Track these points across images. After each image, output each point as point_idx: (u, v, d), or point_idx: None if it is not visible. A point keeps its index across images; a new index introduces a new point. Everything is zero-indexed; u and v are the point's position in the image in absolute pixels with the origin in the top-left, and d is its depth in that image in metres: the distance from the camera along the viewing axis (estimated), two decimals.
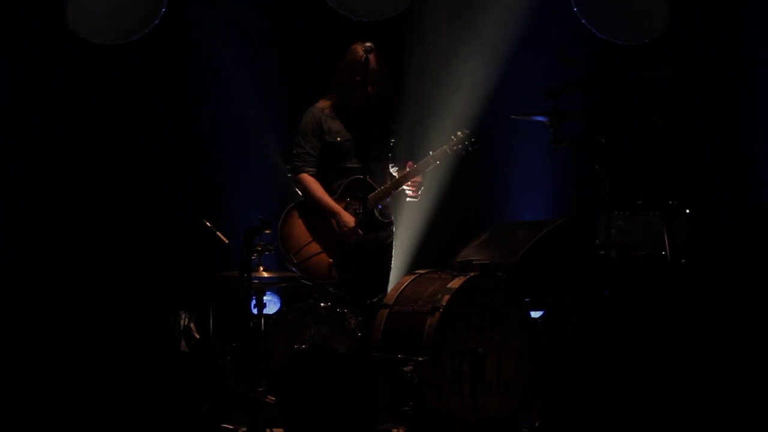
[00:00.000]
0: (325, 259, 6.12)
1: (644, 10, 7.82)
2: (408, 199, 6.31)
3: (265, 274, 5.88)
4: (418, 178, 6.22)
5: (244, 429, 5.56)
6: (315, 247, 6.14)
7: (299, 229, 6.18)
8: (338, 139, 6.19)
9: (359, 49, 6.07)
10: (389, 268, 6.40)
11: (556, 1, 7.86)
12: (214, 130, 7.71)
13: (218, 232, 6.04)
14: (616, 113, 6.02)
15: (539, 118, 5.79)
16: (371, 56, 5.93)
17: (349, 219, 6.07)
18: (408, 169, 6.17)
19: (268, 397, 5.59)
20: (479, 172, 7.94)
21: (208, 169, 7.70)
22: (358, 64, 6.03)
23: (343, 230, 6.07)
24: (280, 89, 7.53)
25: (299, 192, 6.25)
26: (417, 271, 5.85)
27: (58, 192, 7.44)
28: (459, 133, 6.21)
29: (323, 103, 6.26)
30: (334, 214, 6.11)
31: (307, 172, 6.20)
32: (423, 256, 7.40)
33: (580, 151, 5.73)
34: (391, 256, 6.41)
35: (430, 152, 6.17)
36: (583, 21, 7.77)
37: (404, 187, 6.19)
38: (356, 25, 7.51)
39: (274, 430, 5.47)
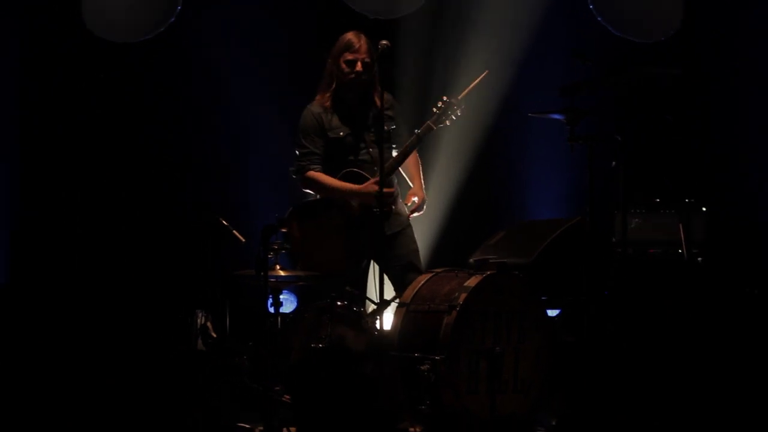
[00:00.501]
0: (334, 255, 6.07)
1: (659, 8, 7.81)
2: (415, 214, 6.27)
3: (282, 273, 5.84)
4: (419, 197, 6.21)
5: (261, 428, 5.55)
6: (322, 246, 6.08)
7: (304, 231, 6.10)
8: (341, 134, 6.14)
9: (347, 33, 6.11)
10: (414, 256, 6.25)
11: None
12: (217, 129, 7.71)
13: (234, 231, 6.04)
14: (627, 111, 6.00)
15: (555, 116, 5.76)
16: (361, 37, 6.02)
17: (373, 186, 5.93)
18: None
19: (285, 396, 5.58)
20: (495, 171, 7.94)
21: (218, 169, 7.71)
22: (347, 43, 6.07)
23: (372, 197, 5.90)
24: (284, 88, 7.52)
25: (308, 191, 6.18)
26: (433, 270, 5.83)
27: (58, 192, 7.47)
28: (440, 103, 6.13)
29: (320, 99, 6.19)
30: (356, 193, 6.03)
31: (313, 170, 6.13)
32: (439, 255, 7.40)
33: (596, 148, 5.71)
34: (413, 241, 6.27)
35: (416, 130, 6.12)
36: (599, 18, 7.76)
37: (405, 207, 6.19)
38: (368, 23, 7.49)
39: (290, 429, 5.47)
